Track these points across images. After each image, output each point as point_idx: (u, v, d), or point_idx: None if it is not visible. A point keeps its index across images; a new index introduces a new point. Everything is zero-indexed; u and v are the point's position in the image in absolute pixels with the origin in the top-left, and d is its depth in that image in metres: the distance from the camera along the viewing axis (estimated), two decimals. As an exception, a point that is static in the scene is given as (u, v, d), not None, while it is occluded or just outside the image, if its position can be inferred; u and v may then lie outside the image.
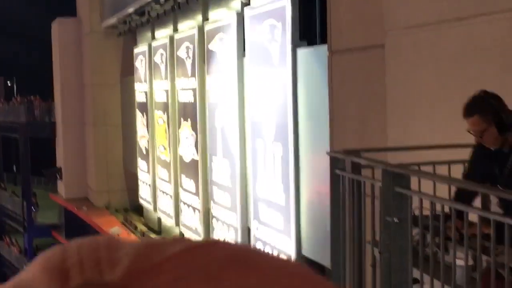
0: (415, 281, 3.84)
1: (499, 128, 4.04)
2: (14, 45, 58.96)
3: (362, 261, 4.24)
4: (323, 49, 10.15)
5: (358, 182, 4.15)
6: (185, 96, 17.56)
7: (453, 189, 3.69)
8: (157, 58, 20.09)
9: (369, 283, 4.17)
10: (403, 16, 7.57)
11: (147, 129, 21.47)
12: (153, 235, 20.72)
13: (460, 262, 3.46)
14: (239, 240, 14.13)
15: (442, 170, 4.44)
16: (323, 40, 10.35)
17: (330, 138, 9.34)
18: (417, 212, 3.92)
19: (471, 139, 4.18)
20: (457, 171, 4.54)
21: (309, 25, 11.92)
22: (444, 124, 6.35)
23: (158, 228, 21.29)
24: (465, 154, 4.60)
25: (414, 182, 3.82)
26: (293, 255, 11.74)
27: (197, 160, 16.68)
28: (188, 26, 17.87)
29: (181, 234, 18.75)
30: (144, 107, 21.76)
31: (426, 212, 3.78)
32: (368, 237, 4.21)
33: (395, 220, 3.79)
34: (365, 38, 8.71)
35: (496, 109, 4.07)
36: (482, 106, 4.11)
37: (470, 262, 3.44)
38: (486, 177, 4.14)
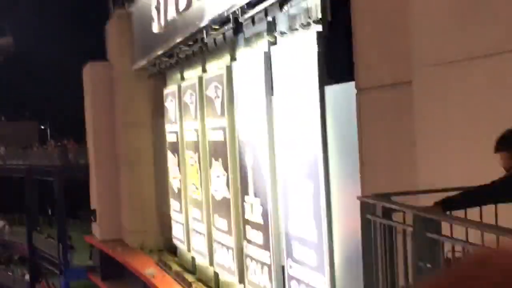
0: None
1: None
2: (47, 89, 59.95)
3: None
4: (351, 86, 10.17)
5: (390, 227, 4.13)
6: (215, 135, 17.66)
7: (485, 234, 3.66)
8: (186, 98, 20.27)
9: (404, 329, 4.13)
10: (431, 53, 7.57)
11: (179, 169, 21.57)
12: (187, 275, 20.69)
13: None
14: (273, 278, 14.04)
15: (473, 211, 4.41)
16: (351, 77, 10.37)
17: (361, 177, 9.30)
18: (450, 255, 3.89)
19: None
20: (489, 212, 4.50)
21: (337, 62, 11.95)
22: (475, 163, 6.30)
23: (192, 267, 21.26)
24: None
25: (446, 225, 3.80)
26: (328, 293, 11.65)
27: (229, 199, 16.69)
28: (216, 66, 18.03)
29: (215, 274, 18.72)
30: (175, 147, 21.90)
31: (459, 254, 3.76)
32: (401, 282, 4.17)
33: (428, 265, 3.76)
34: (393, 74, 8.71)
35: None
36: (510, 143, 4.31)
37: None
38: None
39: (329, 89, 11.47)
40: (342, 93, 11.05)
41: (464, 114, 6.87)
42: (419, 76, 7.67)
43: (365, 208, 4.39)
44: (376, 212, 4.29)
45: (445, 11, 7.54)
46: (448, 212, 4.53)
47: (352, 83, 9.98)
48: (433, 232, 3.76)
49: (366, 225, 4.40)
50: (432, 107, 7.37)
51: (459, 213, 4.18)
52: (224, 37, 16.50)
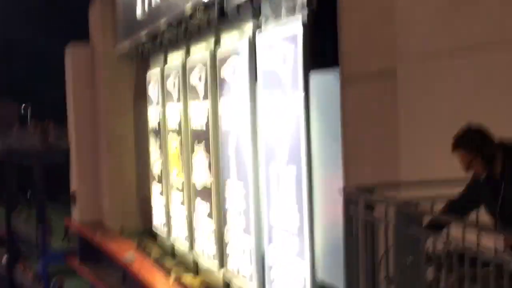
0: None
1: (484, 159, 4.46)
2: (28, 70, 59.44)
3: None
4: (335, 73, 10.12)
5: (372, 220, 4.10)
6: (198, 120, 17.57)
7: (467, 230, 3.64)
8: (169, 83, 20.14)
9: (384, 322, 4.10)
10: (416, 42, 7.53)
11: (161, 153, 21.48)
12: (167, 260, 20.64)
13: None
14: (253, 264, 14.05)
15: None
16: (336, 63, 10.32)
17: (344, 166, 9.28)
18: (431, 250, 3.87)
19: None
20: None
21: (322, 50, 11.90)
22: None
23: (172, 252, 21.21)
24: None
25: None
26: (308, 279, 11.67)
27: (211, 184, 16.65)
28: (200, 51, 17.90)
29: (195, 259, 18.68)
30: (157, 132, 21.79)
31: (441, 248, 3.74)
32: (382, 274, 4.15)
33: (409, 260, 3.74)
34: (379, 63, 8.67)
35: (478, 142, 4.49)
36: (465, 141, 4.56)
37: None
38: (485, 204, 4.55)
39: (314, 77, 11.42)
40: (327, 81, 11.00)
41: (449, 106, 6.83)
42: (403, 66, 7.63)
43: (348, 201, 4.36)
44: (358, 205, 4.26)
45: (431, 0, 7.49)
46: (429, 204, 4.58)
47: (337, 71, 9.94)
48: (415, 227, 3.73)
49: (348, 217, 4.37)
50: (416, 98, 7.34)
51: (442, 203, 4.17)
52: (209, 22, 16.37)
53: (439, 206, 4.24)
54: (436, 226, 4.16)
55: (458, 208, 4.37)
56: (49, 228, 30.59)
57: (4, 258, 37.52)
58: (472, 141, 4.49)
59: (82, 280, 29.72)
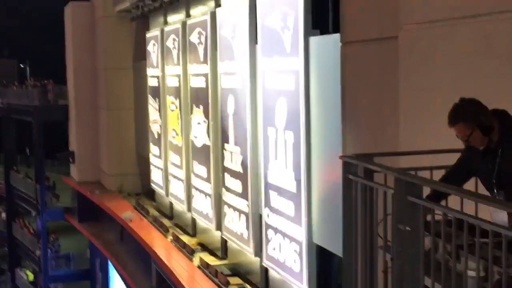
0: (427, 288, 3.86)
1: (482, 130, 4.47)
2: (27, 28, 59.04)
3: (374, 266, 4.25)
4: (336, 38, 10.10)
5: (371, 188, 4.16)
6: (197, 82, 17.56)
7: (465, 200, 3.69)
8: (169, 43, 20.07)
9: (380, 288, 4.19)
10: (419, 11, 7.51)
11: (159, 114, 21.50)
12: (165, 220, 20.81)
13: (471, 273, 3.46)
14: (250, 226, 14.17)
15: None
16: (336, 30, 10.29)
17: (343, 132, 9.32)
18: (429, 219, 3.93)
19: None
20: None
21: (322, 14, 11.85)
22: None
23: (170, 212, 21.37)
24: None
25: (426, 189, 3.83)
26: (303, 243, 11.78)
27: (209, 146, 16.71)
28: (200, 12, 17.82)
29: (193, 220, 18.84)
30: (156, 92, 21.78)
31: (439, 217, 3.80)
32: (380, 243, 4.22)
33: (407, 228, 3.80)
34: (379, 29, 8.65)
35: (476, 114, 4.51)
36: (463, 113, 4.55)
37: (482, 273, 3.44)
38: (481, 174, 4.57)
39: (314, 40, 11.39)
40: (326, 45, 10.97)
41: (449, 73, 6.86)
42: (405, 33, 7.62)
43: (347, 168, 4.41)
44: (357, 172, 4.31)
45: (434, -32, 7.46)
46: (428, 172, 4.64)
47: (338, 36, 9.92)
48: (414, 196, 3.79)
49: (347, 184, 4.42)
50: (417, 66, 7.35)
51: (440, 172, 4.22)
52: (209, -18, 16.27)
53: (437, 175, 4.29)
54: (436, 197, 4.22)
55: (454, 180, 4.41)
56: (47, 185, 30.70)
57: (3, 214, 37.79)
58: (470, 114, 4.51)
59: (80, 238, 29.99)
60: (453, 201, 4.12)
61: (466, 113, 4.53)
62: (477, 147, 4.56)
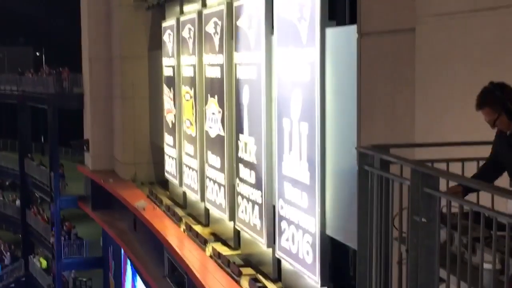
0: (441, 280, 3.84)
1: (509, 115, 4.48)
2: (43, 16, 59.17)
3: (388, 257, 4.24)
4: (352, 30, 10.07)
5: (387, 179, 4.14)
6: (213, 72, 17.56)
7: (481, 193, 3.68)
8: (185, 33, 20.07)
9: (395, 279, 4.17)
10: (436, 3, 7.47)
11: (174, 104, 21.52)
12: (178, 209, 20.87)
13: (487, 266, 3.45)
14: (264, 217, 14.18)
15: (471, 166, 4.43)
16: (353, 21, 10.25)
17: (358, 123, 9.29)
18: (445, 210, 3.91)
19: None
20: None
21: (339, 5, 11.81)
22: (475, 114, 6.27)
23: (183, 202, 21.42)
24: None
25: (443, 181, 3.81)
26: (317, 235, 11.77)
27: (223, 136, 16.71)
28: (216, 2, 17.79)
29: (206, 210, 18.88)
30: (171, 82, 21.80)
31: (455, 209, 3.78)
32: (395, 234, 4.20)
33: (423, 220, 3.79)
34: (396, 21, 8.61)
35: (503, 99, 4.51)
36: (490, 98, 4.56)
37: (498, 266, 3.42)
38: (507, 159, 4.56)
39: (330, 31, 11.35)
40: (343, 36, 10.94)
41: (466, 66, 6.82)
42: (422, 25, 7.58)
43: (363, 159, 4.40)
44: (374, 163, 4.29)
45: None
46: (445, 164, 4.63)
47: (354, 27, 9.88)
48: (431, 187, 3.78)
49: (363, 175, 4.40)
50: (433, 58, 7.31)
51: (457, 169, 4.20)
52: (226, -28, 16.23)
53: (453, 167, 4.27)
54: (467, 189, 4.20)
55: (489, 171, 4.39)
56: (61, 173, 30.82)
57: (17, 202, 38.02)
58: (496, 98, 4.51)
59: (94, 225, 30.12)
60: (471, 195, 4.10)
61: (492, 97, 4.53)
62: (504, 131, 4.56)
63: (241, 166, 15.56)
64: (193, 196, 19.82)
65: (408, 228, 3.87)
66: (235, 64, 15.81)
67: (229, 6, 16.16)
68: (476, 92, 5.51)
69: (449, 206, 3.82)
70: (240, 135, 15.56)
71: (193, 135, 19.43)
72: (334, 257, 12.14)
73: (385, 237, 4.22)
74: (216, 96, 17.26)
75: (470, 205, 3.50)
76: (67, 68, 31.24)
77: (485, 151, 4.66)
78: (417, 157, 4.52)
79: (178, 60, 20.86)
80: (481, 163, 4.49)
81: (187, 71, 20.05)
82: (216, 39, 17.11)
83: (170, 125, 22.17)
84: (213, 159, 17.64)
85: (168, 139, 22.62)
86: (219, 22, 16.85)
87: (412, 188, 3.82)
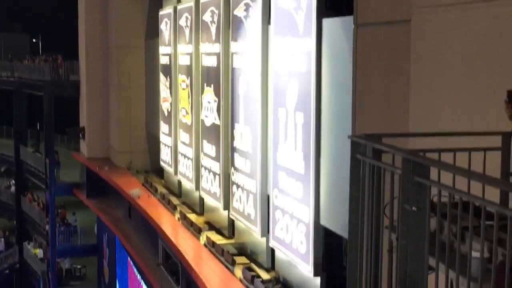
0: (431, 268, 3.88)
1: None
2: (40, 2, 58.98)
3: (379, 245, 4.28)
4: (349, 20, 10.08)
5: (378, 168, 4.17)
6: (209, 61, 17.57)
7: (473, 182, 3.71)
8: (182, 22, 20.06)
9: (385, 267, 4.21)
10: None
11: (170, 92, 21.53)
12: (173, 198, 20.91)
13: (476, 254, 3.49)
14: (258, 206, 14.23)
15: (463, 156, 4.46)
16: (350, 12, 10.27)
17: (353, 113, 9.32)
18: (435, 199, 3.94)
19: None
20: (478, 158, 4.54)
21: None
22: (469, 105, 6.32)
23: (178, 191, 21.46)
24: (487, 140, 4.64)
25: (434, 169, 3.85)
26: (311, 224, 11.83)
27: (219, 126, 16.74)
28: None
29: (201, 199, 18.92)
30: (167, 70, 21.80)
31: (445, 198, 3.82)
32: (386, 223, 4.24)
33: (413, 208, 3.82)
34: (392, 12, 8.63)
35: None
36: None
37: (486, 255, 3.46)
38: None
39: (327, 22, 11.37)
40: (339, 27, 10.96)
41: (460, 58, 6.84)
42: (418, 16, 7.61)
43: (355, 148, 4.43)
44: (366, 152, 4.32)
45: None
46: (436, 154, 4.62)
47: (351, 18, 9.90)
48: (421, 176, 3.81)
49: (355, 164, 4.43)
50: (428, 49, 7.33)
51: (448, 159, 4.22)
52: (224, -39, 16.21)
53: (445, 157, 4.30)
54: None
55: None
56: (57, 160, 30.78)
57: (12, 188, 38.00)
58: None
59: (88, 213, 30.14)
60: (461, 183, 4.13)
61: None
62: None
63: (236, 155, 15.60)
64: (188, 185, 19.87)
65: (399, 217, 3.91)
66: (232, 54, 15.83)
67: (226, -5, 16.15)
68: (471, 84, 5.56)
69: (440, 195, 3.86)
70: (236, 125, 15.59)
71: (189, 123, 19.45)
72: (328, 247, 12.20)
73: (376, 226, 4.26)
74: (212, 85, 17.28)
75: (460, 194, 3.54)
76: (63, 55, 31.15)
77: (478, 142, 4.68)
78: (411, 147, 4.54)
79: (175, 48, 20.87)
80: (473, 153, 4.51)
81: (183, 60, 20.05)
82: (213, 28, 17.11)
83: (166, 114, 22.19)
84: (209, 148, 17.68)
85: (163, 127, 22.64)
86: (216, 11, 16.85)
87: (403, 177, 3.85)
